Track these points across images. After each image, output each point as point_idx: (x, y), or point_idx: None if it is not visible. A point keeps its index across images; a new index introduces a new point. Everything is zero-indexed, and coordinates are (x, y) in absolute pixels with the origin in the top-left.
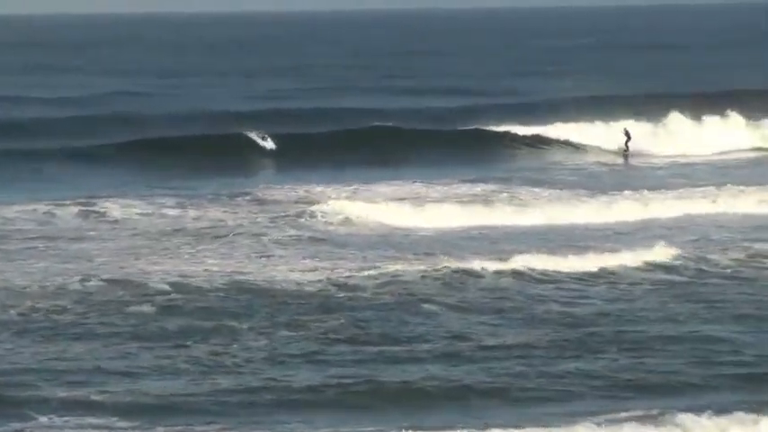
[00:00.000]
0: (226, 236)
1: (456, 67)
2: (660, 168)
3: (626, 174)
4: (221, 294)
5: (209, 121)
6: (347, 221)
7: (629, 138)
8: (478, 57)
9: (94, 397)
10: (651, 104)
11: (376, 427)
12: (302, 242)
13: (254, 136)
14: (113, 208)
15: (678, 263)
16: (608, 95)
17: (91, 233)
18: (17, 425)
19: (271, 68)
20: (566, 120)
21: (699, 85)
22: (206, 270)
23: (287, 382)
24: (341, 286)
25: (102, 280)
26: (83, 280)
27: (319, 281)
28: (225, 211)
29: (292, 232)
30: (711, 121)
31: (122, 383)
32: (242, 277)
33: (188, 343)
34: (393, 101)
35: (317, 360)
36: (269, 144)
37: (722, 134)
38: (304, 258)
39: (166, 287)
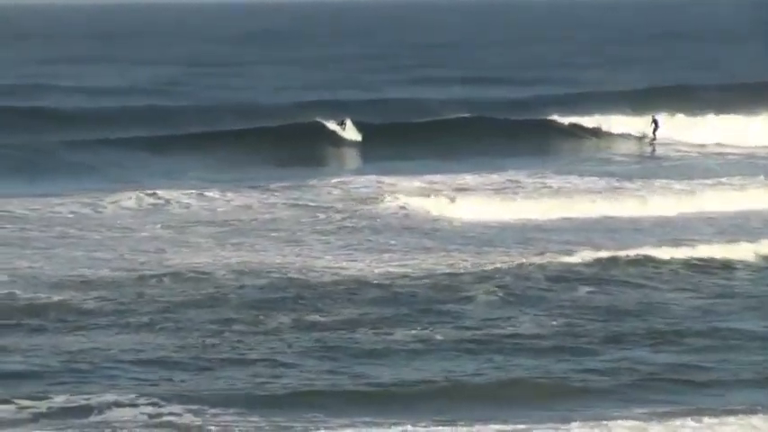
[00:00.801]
0: (271, 229)
1: (497, 58)
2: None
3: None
4: (252, 284)
5: (265, 111)
6: (404, 213)
7: (656, 127)
8: (509, 48)
9: (114, 380)
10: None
11: (396, 419)
12: (351, 232)
13: (330, 124)
14: (171, 197)
15: None
16: (658, 87)
17: (123, 222)
18: (29, 402)
19: (297, 59)
20: (618, 111)
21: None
22: (242, 260)
23: (306, 374)
24: (381, 277)
25: (129, 270)
26: (111, 270)
27: (359, 272)
28: (277, 201)
29: (345, 224)
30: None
31: (138, 370)
32: (281, 268)
33: (207, 332)
34: (432, 91)
35: (339, 351)
36: (347, 132)
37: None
38: (346, 249)
39: (198, 277)
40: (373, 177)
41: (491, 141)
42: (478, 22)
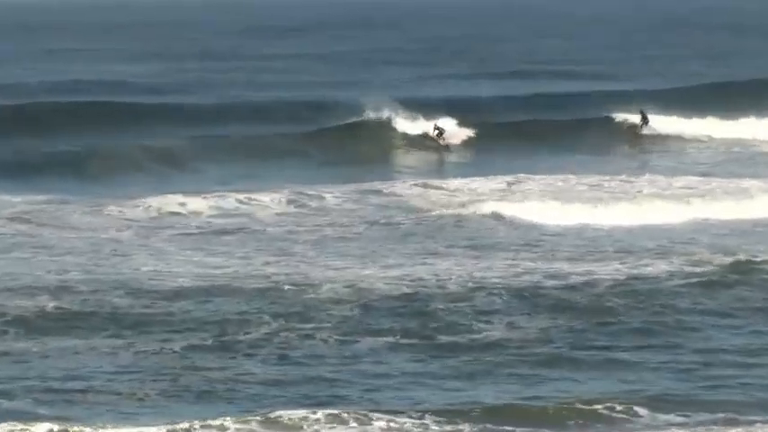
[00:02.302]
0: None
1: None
2: None
3: None
4: (266, 292)
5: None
6: (493, 218)
7: (645, 121)
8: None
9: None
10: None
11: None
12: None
13: (413, 125)
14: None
15: None
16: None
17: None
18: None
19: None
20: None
21: None
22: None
23: (310, 380)
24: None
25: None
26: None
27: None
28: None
29: (419, 230)
30: None
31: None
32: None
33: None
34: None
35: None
36: (450, 136)
37: None
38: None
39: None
40: (454, 181)
41: (554, 142)
42: (497, 17)
